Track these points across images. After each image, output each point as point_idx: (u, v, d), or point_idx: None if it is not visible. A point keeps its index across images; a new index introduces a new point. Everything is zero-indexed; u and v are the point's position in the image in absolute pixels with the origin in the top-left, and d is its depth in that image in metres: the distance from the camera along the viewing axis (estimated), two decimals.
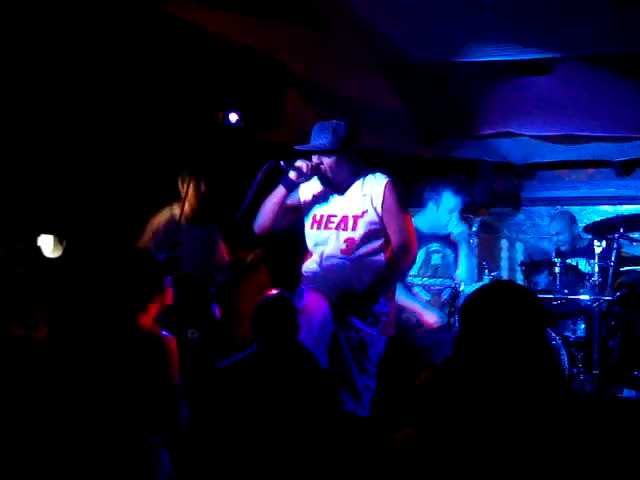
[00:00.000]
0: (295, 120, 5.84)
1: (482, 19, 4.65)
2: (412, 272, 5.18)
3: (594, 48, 5.02)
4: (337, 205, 4.27)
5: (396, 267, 4.26)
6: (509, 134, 6.60)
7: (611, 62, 5.24)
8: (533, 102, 5.91)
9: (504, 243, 8.02)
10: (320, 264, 4.30)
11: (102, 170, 5.98)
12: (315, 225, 4.31)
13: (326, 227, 4.27)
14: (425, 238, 5.32)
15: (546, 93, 5.81)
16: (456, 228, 5.34)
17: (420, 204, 5.47)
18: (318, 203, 4.33)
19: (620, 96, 5.74)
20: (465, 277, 5.41)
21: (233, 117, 5.51)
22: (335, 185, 4.26)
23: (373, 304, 4.20)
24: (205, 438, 3.55)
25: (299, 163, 4.16)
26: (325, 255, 4.27)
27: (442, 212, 5.34)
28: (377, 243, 4.23)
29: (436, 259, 5.38)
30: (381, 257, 4.24)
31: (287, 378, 3.67)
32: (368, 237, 4.20)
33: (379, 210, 4.17)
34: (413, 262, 4.38)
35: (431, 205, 5.37)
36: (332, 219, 4.27)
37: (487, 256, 7.05)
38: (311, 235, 4.34)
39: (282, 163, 4.15)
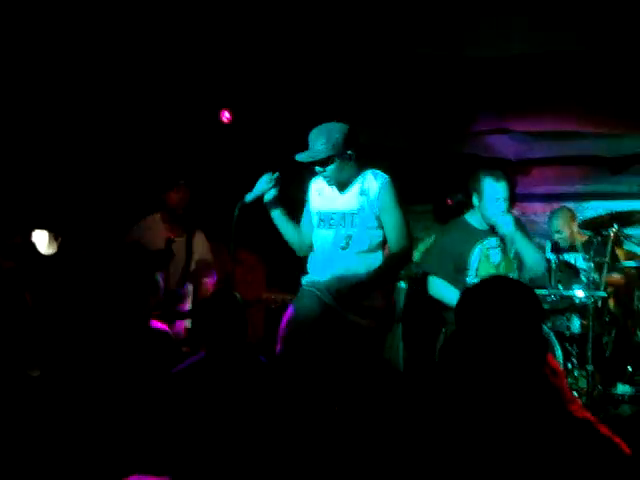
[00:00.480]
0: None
1: (478, 15, 4.68)
2: (470, 272, 5.11)
3: (589, 44, 5.03)
4: (338, 202, 4.34)
5: (391, 265, 4.30)
6: (504, 130, 6.62)
7: (605, 59, 5.26)
8: (528, 98, 5.92)
9: None
10: (322, 261, 4.37)
11: (97, 166, 5.98)
12: (321, 223, 4.38)
13: (329, 225, 4.34)
14: (479, 234, 5.13)
15: (541, 89, 5.82)
16: (500, 220, 5.01)
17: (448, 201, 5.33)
18: (324, 202, 4.39)
19: (614, 93, 5.76)
20: (535, 268, 5.12)
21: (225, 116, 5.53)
22: (339, 184, 4.32)
23: (369, 300, 4.22)
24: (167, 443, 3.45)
25: (260, 188, 4.37)
26: (326, 252, 4.34)
27: (487, 202, 5.04)
28: (374, 240, 4.28)
29: (495, 255, 5.13)
30: (378, 254, 4.29)
31: (239, 381, 3.48)
32: (365, 234, 4.26)
33: (375, 208, 4.22)
34: (408, 259, 4.39)
35: (475, 197, 5.11)
36: (333, 216, 4.34)
37: None
38: (317, 233, 4.41)
39: (246, 200, 4.35)
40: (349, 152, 4.22)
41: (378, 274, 4.24)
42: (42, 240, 5.72)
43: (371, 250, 4.27)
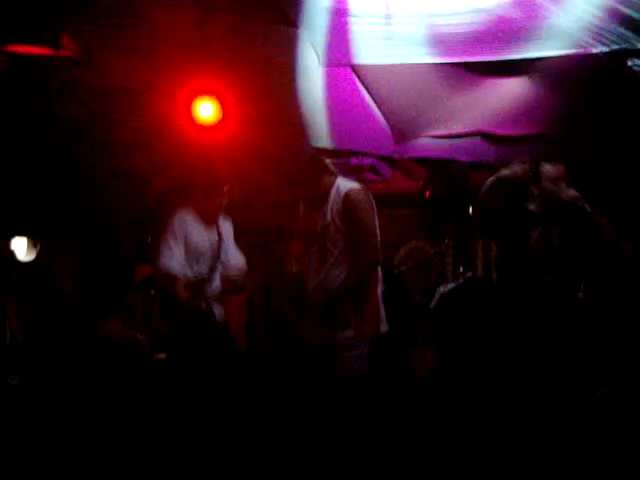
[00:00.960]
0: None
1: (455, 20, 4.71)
2: None
3: (567, 48, 5.05)
4: (314, 218, 4.41)
5: (357, 272, 4.32)
6: (482, 134, 6.63)
7: (584, 63, 5.28)
8: (506, 102, 5.94)
9: (478, 243, 8.06)
10: (306, 275, 4.45)
11: (76, 172, 5.96)
12: (303, 241, 4.46)
13: (308, 241, 4.42)
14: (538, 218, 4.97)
15: (519, 93, 5.85)
16: (566, 193, 4.85)
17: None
18: (306, 222, 4.47)
19: (592, 97, 5.78)
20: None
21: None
22: (313, 201, 4.39)
23: (342, 309, 4.28)
24: None
25: None
26: (308, 266, 4.41)
27: (545, 184, 4.95)
28: (343, 251, 4.33)
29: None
30: (346, 265, 4.33)
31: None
32: (335, 245, 4.32)
33: (339, 219, 4.29)
34: (373, 266, 4.40)
35: (533, 187, 4.94)
36: (311, 232, 4.41)
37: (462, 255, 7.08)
38: (303, 251, 4.49)
39: None
40: (309, 174, 4.52)
41: (350, 284, 4.30)
42: (21, 246, 5.70)
43: (340, 261, 4.36)
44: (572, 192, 4.85)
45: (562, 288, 4.71)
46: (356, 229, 4.30)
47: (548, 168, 4.97)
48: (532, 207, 4.95)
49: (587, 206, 4.77)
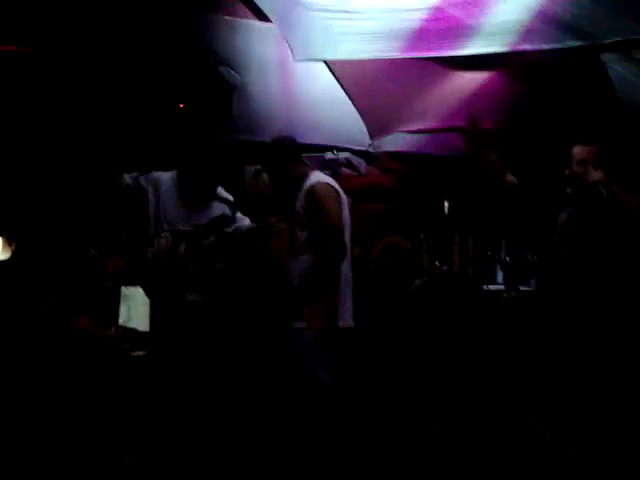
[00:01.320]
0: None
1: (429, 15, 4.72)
2: None
3: (543, 43, 5.08)
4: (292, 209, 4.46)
5: (317, 266, 4.32)
6: (457, 128, 6.66)
7: (559, 58, 5.31)
8: (481, 97, 5.97)
9: (455, 238, 8.10)
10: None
11: (50, 170, 5.93)
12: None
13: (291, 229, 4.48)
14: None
15: (494, 88, 5.88)
16: (590, 176, 4.70)
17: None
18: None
19: (571, 94, 5.83)
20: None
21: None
22: (293, 192, 4.42)
23: (298, 300, 4.31)
24: None
25: None
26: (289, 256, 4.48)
27: (574, 167, 4.78)
28: (304, 242, 4.36)
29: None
30: (310, 256, 4.34)
31: None
32: (298, 236, 4.36)
33: (302, 211, 4.33)
34: (334, 261, 4.37)
35: (566, 170, 4.85)
36: (291, 222, 4.45)
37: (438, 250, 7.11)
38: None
39: None
40: (285, 163, 4.56)
41: (313, 276, 4.32)
42: None
43: (304, 252, 4.40)
44: (597, 175, 4.73)
45: (589, 269, 4.66)
46: (318, 223, 4.31)
47: (578, 149, 4.87)
48: (568, 190, 4.91)
49: (605, 190, 4.68)
